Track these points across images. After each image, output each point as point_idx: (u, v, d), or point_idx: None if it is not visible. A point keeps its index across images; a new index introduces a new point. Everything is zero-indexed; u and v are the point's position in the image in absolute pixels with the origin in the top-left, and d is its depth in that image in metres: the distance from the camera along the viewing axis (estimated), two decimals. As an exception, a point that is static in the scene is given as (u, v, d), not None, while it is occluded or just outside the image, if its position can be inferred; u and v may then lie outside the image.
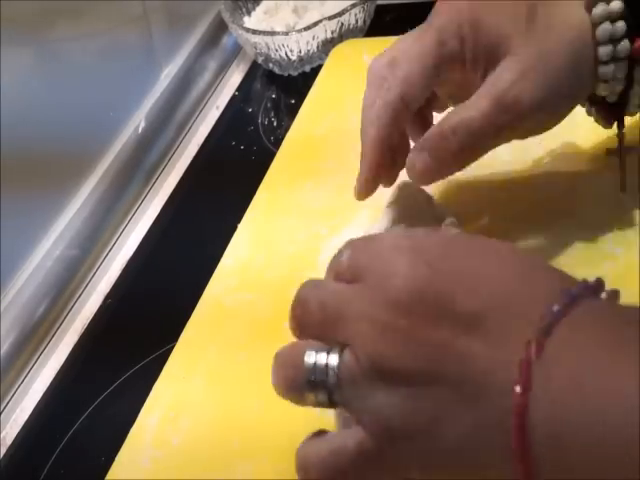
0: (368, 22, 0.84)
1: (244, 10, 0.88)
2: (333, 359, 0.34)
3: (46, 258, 0.67)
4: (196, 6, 0.90)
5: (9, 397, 0.61)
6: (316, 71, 0.76)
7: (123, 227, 0.73)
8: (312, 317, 0.36)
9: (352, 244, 0.37)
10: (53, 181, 0.69)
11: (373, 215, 0.59)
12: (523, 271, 0.33)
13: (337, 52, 0.77)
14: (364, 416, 0.34)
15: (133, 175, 0.76)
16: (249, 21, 0.87)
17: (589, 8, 0.44)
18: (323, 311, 0.36)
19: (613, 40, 0.44)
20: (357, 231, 0.57)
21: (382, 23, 0.85)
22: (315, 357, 0.35)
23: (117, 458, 0.49)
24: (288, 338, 0.52)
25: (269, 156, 0.67)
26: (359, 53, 0.75)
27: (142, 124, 0.79)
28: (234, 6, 0.87)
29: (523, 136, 0.48)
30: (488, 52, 0.46)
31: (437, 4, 0.48)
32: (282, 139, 0.69)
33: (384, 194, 0.60)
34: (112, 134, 0.77)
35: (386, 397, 0.33)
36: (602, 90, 0.46)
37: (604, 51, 0.45)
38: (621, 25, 0.44)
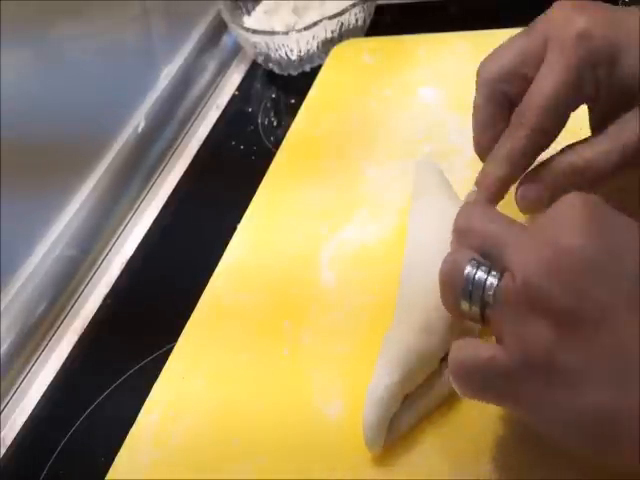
0: (368, 22, 0.84)
1: (244, 10, 0.88)
2: (492, 278, 0.37)
3: (46, 258, 0.67)
4: (196, 6, 0.89)
5: (9, 397, 0.61)
6: (316, 71, 0.76)
7: (123, 227, 0.73)
8: (475, 230, 0.39)
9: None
10: (53, 181, 0.69)
11: (372, 214, 0.59)
12: None
13: (337, 52, 0.77)
14: (512, 337, 0.35)
15: (133, 175, 0.76)
16: (249, 21, 0.87)
17: None
18: (485, 228, 0.38)
19: None
20: (357, 231, 0.58)
21: (382, 23, 0.85)
22: (476, 271, 0.37)
23: (117, 458, 0.49)
24: (288, 338, 0.52)
25: (269, 156, 0.67)
26: (359, 53, 0.76)
27: (142, 124, 0.79)
28: (234, 6, 0.86)
29: None
30: (622, 94, 0.44)
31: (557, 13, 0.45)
32: (282, 139, 0.69)
33: (384, 194, 0.60)
34: (112, 134, 0.77)
35: (540, 328, 0.34)
36: None
37: None
38: None
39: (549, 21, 0.45)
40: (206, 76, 0.86)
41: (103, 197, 0.73)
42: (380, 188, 0.61)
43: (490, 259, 0.38)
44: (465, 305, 0.38)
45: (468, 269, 0.38)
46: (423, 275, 0.48)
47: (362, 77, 0.73)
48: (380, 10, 0.85)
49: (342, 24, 0.81)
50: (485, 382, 0.37)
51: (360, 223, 0.58)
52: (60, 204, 0.70)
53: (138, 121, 0.79)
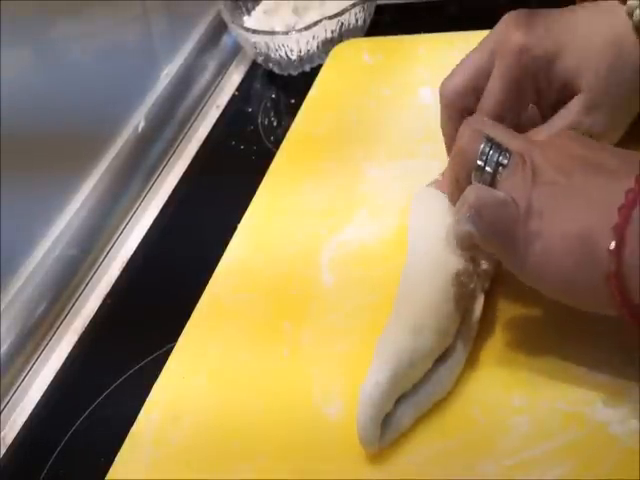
0: (368, 22, 0.84)
1: (244, 10, 0.88)
2: (504, 155, 0.44)
3: (46, 258, 0.67)
4: (196, 6, 0.90)
5: (9, 397, 0.61)
6: (316, 71, 0.76)
7: (123, 227, 0.73)
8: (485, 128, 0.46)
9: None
10: (53, 180, 0.69)
11: (372, 214, 0.59)
12: None
13: (337, 52, 0.77)
14: (516, 193, 0.42)
15: (133, 175, 0.76)
16: (249, 21, 0.87)
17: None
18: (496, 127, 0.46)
19: None
20: (357, 231, 0.58)
21: (382, 23, 0.85)
22: (489, 150, 0.44)
23: (117, 458, 0.49)
24: (288, 338, 0.52)
25: (269, 156, 0.67)
26: (359, 53, 0.76)
27: (142, 123, 0.79)
28: (234, 6, 0.87)
29: None
30: (564, 91, 0.51)
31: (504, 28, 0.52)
32: (282, 139, 0.68)
33: (384, 194, 0.60)
34: (112, 134, 0.77)
35: (536, 189, 0.42)
36: None
37: None
38: None
39: (495, 36, 0.52)
40: (206, 76, 0.86)
41: (103, 197, 0.73)
42: (380, 188, 0.61)
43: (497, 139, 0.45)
44: (477, 172, 0.44)
45: (483, 145, 0.44)
46: (418, 276, 0.48)
47: (362, 77, 0.73)
48: (380, 10, 0.85)
49: (342, 24, 0.81)
50: (494, 220, 0.42)
51: (360, 223, 0.58)
52: (60, 204, 0.70)
53: (138, 121, 0.79)
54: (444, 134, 0.55)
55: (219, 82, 0.87)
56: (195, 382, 0.51)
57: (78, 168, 0.73)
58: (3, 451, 0.58)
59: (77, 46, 0.73)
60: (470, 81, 0.52)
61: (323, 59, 0.78)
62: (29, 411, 0.60)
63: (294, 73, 0.84)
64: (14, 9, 0.63)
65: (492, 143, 0.44)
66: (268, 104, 0.82)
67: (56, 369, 0.63)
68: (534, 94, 0.52)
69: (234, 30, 0.85)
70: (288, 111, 0.78)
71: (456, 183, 0.47)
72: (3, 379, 0.61)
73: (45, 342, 0.65)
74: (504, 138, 0.45)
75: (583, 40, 0.50)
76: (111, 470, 0.48)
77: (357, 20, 0.82)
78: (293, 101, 0.79)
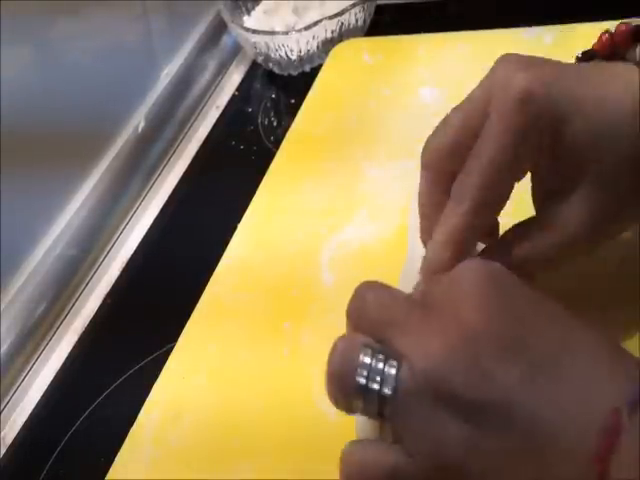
0: (368, 22, 0.84)
1: (244, 10, 0.88)
2: (389, 368, 0.32)
3: (46, 257, 0.67)
4: (196, 6, 0.89)
5: (9, 397, 0.61)
6: (316, 71, 0.76)
7: (123, 227, 0.73)
8: (368, 314, 0.34)
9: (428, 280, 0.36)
10: (53, 180, 0.69)
11: (372, 214, 0.59)
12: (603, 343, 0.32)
13: (337, 52, 0.77)
14: (416, 439, 0.31)
15: (133, 175, 0.76)
16: (249, 21, 0.87)
17: None
18: (380, 311, 0.34)
19: None
20: (357, 231, 0.58)
21: (382, 23, 0.85)
22: (372, 361, 0.32)
23: (117, 458, 0.49)
24: (288, 338, 0.52)
25: (269, 156, 0.67)
26: (359, 53, 0.75)
27: (142, 124, 0.79)
28: (234, 6, 0.87)
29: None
30: (568, 164, 0.39)
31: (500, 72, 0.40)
32: (282, 139, 0.68)
33: (384, 194, 0.60)
34: (112, 134, 0.77)
35: (447, 426, 0.30)
36: None
37: None
38: None
39: (491, 81, 0.40)
40: (206, 76, 0.86)
41: (103, 197, 0.73)
42: (380, 188, 0.61)
43: (385, 344, 0.33)
44: (357, 403, 0.33)
45: (361, 358, 0.33)
46: (418, 276, 0.48)
47: (362, 77, 0.73)
48: (380, 10, 0.85)
49: (342, 24, 0.81)
50: None
51: (360, 223, 0.58)
52: (60, 204, 0.70)
53: (138, 121, 0.79)
54: (421, 205, 0.42)
55: (219, 82, 0.87)
56: (195, 382, 0.51)
57: (78, 168, 0.73)
58: (3, 451, 0.58)
59: (77, 46, 0.73)
60: (458, 138, 0.40)
61: (323, 59, 0.78)
62: (29, 411, 0.60)
63: (294, 73, 0.84)
64: (14, 8, 0.63)
65: (373, 354, 0.33)
66: (268, 104, 0.82)
67: (56, 369, 0.63)
68: (535, 158, 0.39)
69: (234, 30, 0.85)
70: (288, 111, 0.78)
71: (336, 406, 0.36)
72: (3, 379, 0.61)
73: (45, 342, 0.65)
74: (393, 324, 0.33)
75: (599, 104, 0.38)
76: (111, 470, 0.48)
77: (357, 20, 0.82)
78: (293, 101, 0.79)
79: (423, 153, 0.42)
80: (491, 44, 0.68)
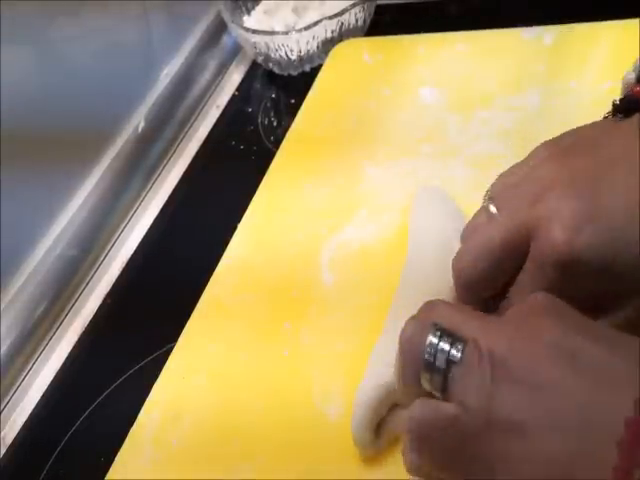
0: (368, 22, 0.84)
1: (244, 10, 0.88)
2: (458, 343, 0.35)
3: (46, 257, 0.67)
4: (196, 6, 0.89)
5: (9, 397, 0.61)
6: (316, 71, 0.76)
7: (123, 227, 0.73)
8: (439, 312, 0.37)
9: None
10: (53, 180, 0.69)
11: (372, 214, 0.59)
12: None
13: (337, 52, 0.77)
14: (472, 399, 0.34)
15: (133, 174, 0.76)
16: (249, 21, 0.87)
17: None
18: (451, 311, 0.37)
19: None
20: (357, 231, 0.58)
21: (382, 23, 0.85)
22: (438, 342, 0.35)
23: (117, 458, 0.49)
24: (288, 338, 0.52)
25: (269, 156, 0.67)
26: (359, 53, 0.76)
27: (142, 123, 0.79)
28: (234, 6, 0.87)
29: None
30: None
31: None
32: (282, 139, 0.69)
33: (384, 194, 0.60)
34: (112, 133, 0.77)
35: (499, 390, 0.33)
36: None
37: None
38: None
39: (535, 212, 0.40)
40: (206, 76, 0.86)
41: (103, 197, 0.73)
42: (380, 188, 0.61)
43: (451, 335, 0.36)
44: (425, 375, 0.36)
45: (430, 338, 0.36)
46: (418, 276, 0.48)
47: (362, 77, 0.73)
48: (380, 10, 0.85)
49: (342, 24, 0.81)
50: (444, 442, 0.35)
51: (360, 223, 0.58)
52: (61, 203, 0.70)
53: (138, 121, 0.79)
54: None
55: (219, 82, 0.87)
56: (195, 382, 0.51)
57: (78, 168, 0.73)
58: (3, 451, 0.58)
59: (77, 46, 0.73)
60: (493, 265, 0.41)
61: (323, 59, 0.78)
62: (29, 411, 0.60)
63: (294, 73, 0.84)
64: (14, 9, 0.63)
65: (442, 332, 0.36)
66: (268, 104, 0.82)
67: (56, 369, 0.63)
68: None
69: (234, 30, 0.85)
70: (288, 111, 0.78)
71: (404, 387, 0.38)
72: (3, 379, 0.61)
73: (45, 342, 0.65)
74: (459, 321, 0.36)
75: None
76: (111, 470, 0.48)
77: (357, 20, 0.82)
78: (293, 101, 0.79)
79: (456, 270, 0.43)
80: (491, 44, 0.68)
